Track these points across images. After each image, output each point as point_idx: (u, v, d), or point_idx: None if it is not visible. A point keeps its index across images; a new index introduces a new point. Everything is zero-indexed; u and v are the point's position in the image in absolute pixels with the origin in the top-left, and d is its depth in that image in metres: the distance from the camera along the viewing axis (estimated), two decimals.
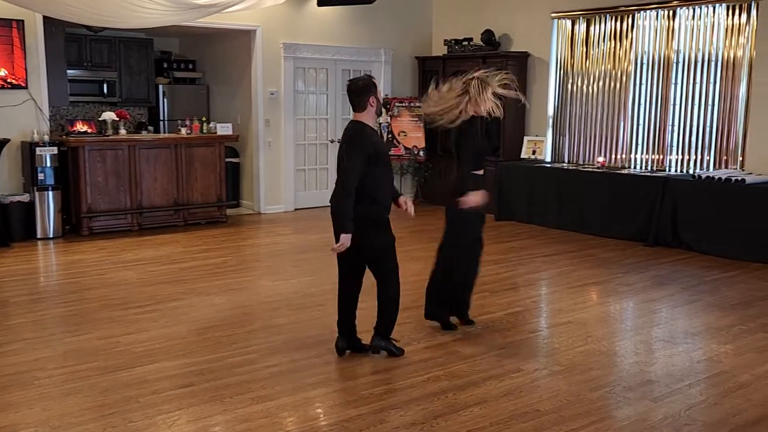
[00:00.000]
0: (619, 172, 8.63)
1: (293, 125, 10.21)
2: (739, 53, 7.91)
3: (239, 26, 9.53)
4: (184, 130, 9.08)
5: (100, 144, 8.34)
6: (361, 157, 4.22)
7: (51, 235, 8.08)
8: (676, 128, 8.56)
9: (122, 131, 8.67)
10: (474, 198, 4.78)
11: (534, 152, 9.81)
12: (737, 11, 7.89)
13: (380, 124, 10.19)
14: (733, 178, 7.42)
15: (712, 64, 8.15)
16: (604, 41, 9.18)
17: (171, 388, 4.03)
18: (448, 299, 5.10)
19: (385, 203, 4.42)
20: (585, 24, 9.36)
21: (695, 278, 6.64)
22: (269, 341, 4.84)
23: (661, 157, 8.70)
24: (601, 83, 9.26)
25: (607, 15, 9.09)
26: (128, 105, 10.31)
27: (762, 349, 4.76)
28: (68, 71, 9.35)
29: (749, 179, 7.40)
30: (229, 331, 5.03)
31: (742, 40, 7.88)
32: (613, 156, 9.18)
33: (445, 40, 10.67)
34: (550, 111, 9.88)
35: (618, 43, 9.03)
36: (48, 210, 8.05)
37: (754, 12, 7.74)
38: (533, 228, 9.03)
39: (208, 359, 4.49)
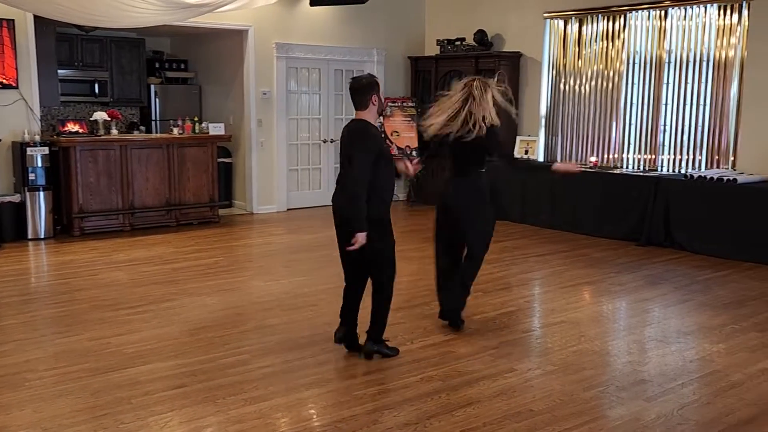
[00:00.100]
0: (611, 172, 8.65)
1: (286, 125, 10.19)
2: (731, 53, 7.94)
3: (231, 26, 9.50)
4: (176, 130, 9.05)
5: (91, 144, 8.30)
6: (371, 156, 4.22)
7: (42, 236, 8.03)
8: (668, 128, 8.58)
9: (114, 131, 8.64)
10: (570, 166, 4.86)
11: (526, 152, 9.81)
12: (728, 11, 7.92)
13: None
14: (725, 178, 7.44)
15: (704, 64, 8.17)
16: (596, 41, 9.20)
17: (163, 389, 4.01)
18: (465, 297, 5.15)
19: (389, 203, 4.42)
20: (577, 24, 9.37)
21: (687, 278, 6.66)
22: (262, 342, 4.82)
23: (653, 156, 8.73)
24: (593, 83, 9.28)
25: (599, 15, 9.11)
26: (120, 105, 10.26)
27: (754, 348, 4.78)
28: (59, 71, 9.30)
29: (741, 179, 7.43)
30: (221, 332, 5.01)
31: (733, 40, 7.91)
32: (606, 156, 9.20)
33: (438, 40, 10.67)
34: (543, 111, 9.89)
35: (610, 43, 9.05)
36: (39, 210, 8.01)
37: (745, 12, 7.77)
38: (526, 228, 9.04)
39: (200, 360, 4.47)
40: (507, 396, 3.97)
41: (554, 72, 9.71)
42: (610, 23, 9.03)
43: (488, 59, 9.86)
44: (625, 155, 9.02)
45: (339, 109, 10.74)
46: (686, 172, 8.17)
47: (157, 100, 10.59)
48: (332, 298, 5.80)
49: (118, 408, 3.76)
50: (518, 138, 9.94)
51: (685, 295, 6.09)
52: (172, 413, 3.71)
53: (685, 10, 8.30)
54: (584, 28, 9.30)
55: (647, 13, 8.66)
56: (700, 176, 7.67)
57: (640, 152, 8.87)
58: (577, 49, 9.41)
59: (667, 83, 8.53)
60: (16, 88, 8.03)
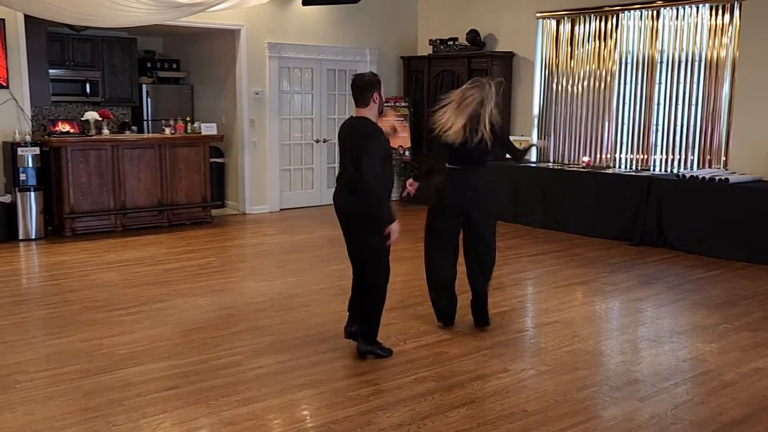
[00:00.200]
0: (604, 171, 8.66)
1: (278, 125, 10.17)
2: (723, 53, 7.96)
3: (223, 26, 9.47)
4: (168, 130, 9.01)
5: (82, 144, 8.26)
6: (382, 154, 4.25)
7: (33, 236, 7.99)
8: (660, 128, 8.60)
9: (105, 131, 8.59)
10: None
11: None
12: (720, 11, 7.94)
13: None
14: (717, 178, 7.46)
15: (696, 64, 8.20)
16: (588, 41, 9.21)
17: (155, 391, 3.99)
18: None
19: (389, 200, 4.42)
20: (570, 24, 9.38)
21: (680, 277, 6.67)
22: (255, 343, 4.80)
23: (646, 156, 8.75)
24: (585, 83, 9.29)
25: (592, 15, 9.13)
26: (111, 105, 10.22)
27: (747, 347, 4.79)
28: (50, 71, 9.23)
29: (733, 179, 7.45)
30: (214, 333, 4.99)
31: (725, 40, 7.93)
32: (598, 156, 9.22)
33: (431, 40, 10.67)
34: (535, 111, 9.90)
35: (602, 43, 9.07)
36: (30, 211, 7.96)
37: (737, 12, 7.80)
38: (519, 228, 9.04)
39: (193, 361, 4.45)
40: (500, 396, 3.96)
41: (547, 72, 9.72)
42: (603, 23, 9.04)
43: (481, 59, 9.87)
44: (617, 155, 9.04)
45: (332, 109, 10.72)
46: (678, 171, 8.20)
47: (149, 99, 10.55)
48: (325, 299, 5.81)
49: (110, 410, 3.74)
50: (510, 138, 9.92)
51: (678, 294, 6.10)
52: (164, 415, 3.69)
53: (677, 10, 8.32)
54: (577, 28, 9.31)
55: (639, 13, 8.68)
56: (692, 176, 7.69)
57: (632, 152, 8.89)
58: (569, 49, 9.42)
59: (660, 83, 8.55)
60: (7, 87, 7.99)
